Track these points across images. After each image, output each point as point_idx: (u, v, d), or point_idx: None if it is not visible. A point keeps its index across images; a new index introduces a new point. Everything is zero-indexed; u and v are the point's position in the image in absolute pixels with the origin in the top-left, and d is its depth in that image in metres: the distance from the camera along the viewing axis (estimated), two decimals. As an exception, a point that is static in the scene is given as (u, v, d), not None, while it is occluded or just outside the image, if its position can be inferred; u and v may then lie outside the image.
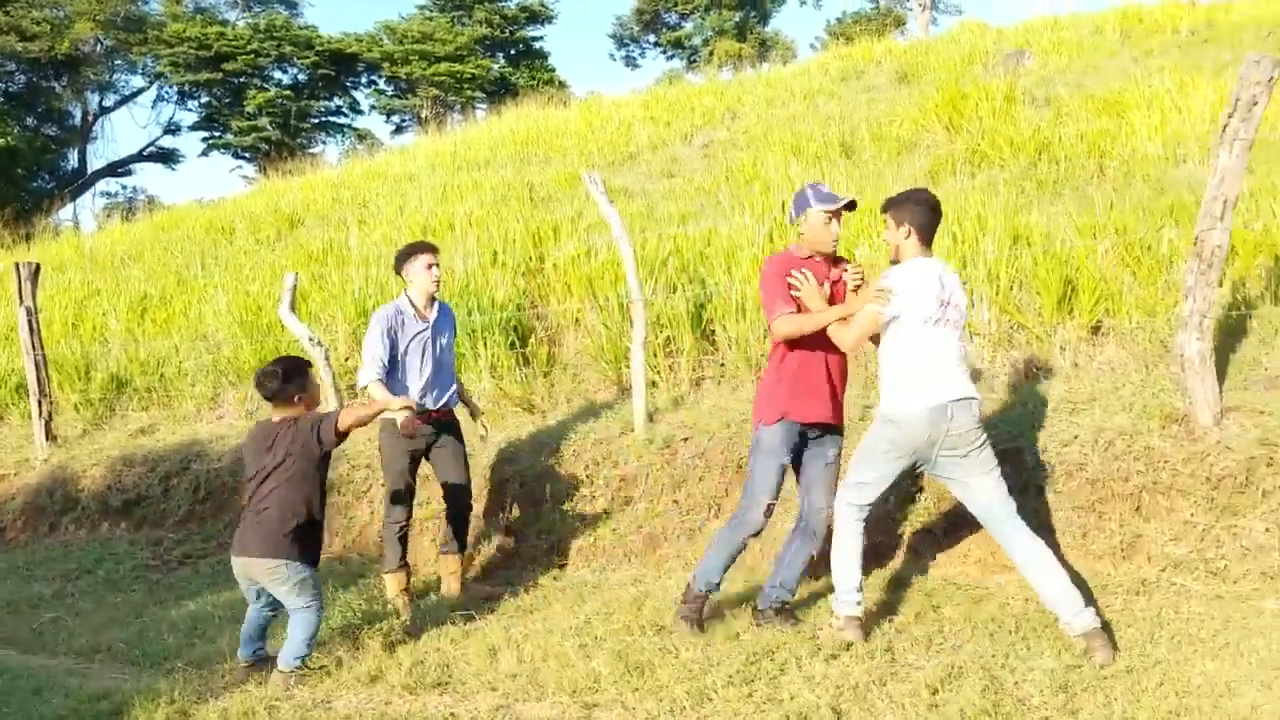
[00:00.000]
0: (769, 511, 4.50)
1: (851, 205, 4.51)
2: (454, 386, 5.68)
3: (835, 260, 4.60)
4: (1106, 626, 4.01)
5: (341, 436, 4.44)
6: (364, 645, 4.62)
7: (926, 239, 4.23)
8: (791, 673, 3.98)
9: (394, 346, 5.37)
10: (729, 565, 4.66)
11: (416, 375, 5.45)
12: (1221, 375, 5.07)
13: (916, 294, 4.11)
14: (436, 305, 5.59)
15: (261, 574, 4.35)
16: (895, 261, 4.28)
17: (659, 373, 7.05)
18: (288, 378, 4.47)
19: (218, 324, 9.18)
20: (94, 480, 7.72)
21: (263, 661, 4.52)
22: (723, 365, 6.90)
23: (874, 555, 5.18)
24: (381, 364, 5.31)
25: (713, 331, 7.10)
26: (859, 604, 4.29)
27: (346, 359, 7.98)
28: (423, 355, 5.45)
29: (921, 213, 4.21)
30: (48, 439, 8.30)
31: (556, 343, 7.97)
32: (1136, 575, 4.52)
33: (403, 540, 5.50)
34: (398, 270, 5.62)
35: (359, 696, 4.15)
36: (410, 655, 4.44)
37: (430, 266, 5.48)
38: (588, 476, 6.18)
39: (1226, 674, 3.67)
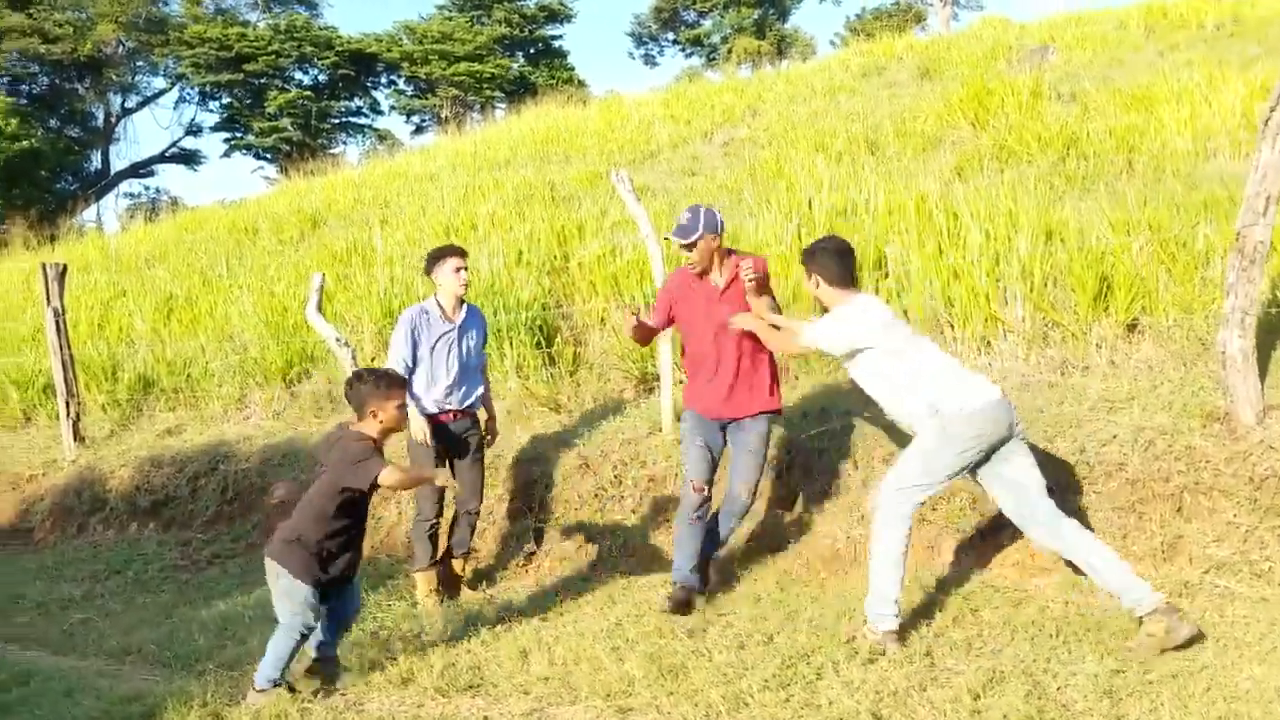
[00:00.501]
0: (701, 491, 4.88)
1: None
2: (480, 389, 5.71)
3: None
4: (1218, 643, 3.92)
5: (373, 488, 4.22)
6: (395, 647, 4.60)
7: (846, 283, 4.44)
8: (829, 677, 3.92)
9: (417, 346, 5.46)
10: (694, 556, 4.92)
11: (443, 375, 5.52)
12: (1263, 373, 4.97)
13: (879, 322, 4.31)
14: (465, 308, 5.62)
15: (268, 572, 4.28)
16: (825, 310, 4.50)
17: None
18: (366, 389, 4.20)
19: (243, 325, 9.19)
20: (122, 481, 7.74)
21: (326, 661, 4.37)
22: (751, 364, 6.84)
23: (909, 558, 5.12)
24: (404, 363, 5.43)
25: (740, 330, 7.04)
26: (896, 616, 4.19)
27: (373, 359, 7.96)
28: (449, 355, 5.52)
29: (828, 262, 4.42)
30: (75, 440, 8.33)
31: (582, 342, 7.93)
32: (1178, 577, 4.43)
33: (433, 539, 5.56)
34: (427, 272, 5.67)
35: (391, 699, 4.12)
36: (442, 657, 4.41)
37: (459, 270, 5.52)
38: (616, 477, 6.14)
39: (1275, 679, 3.58)
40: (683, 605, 4.85)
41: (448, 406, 5.52)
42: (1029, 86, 11.66)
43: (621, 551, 5.83)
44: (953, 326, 6.29)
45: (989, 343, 6.12)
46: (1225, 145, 8.51)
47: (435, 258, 5.58)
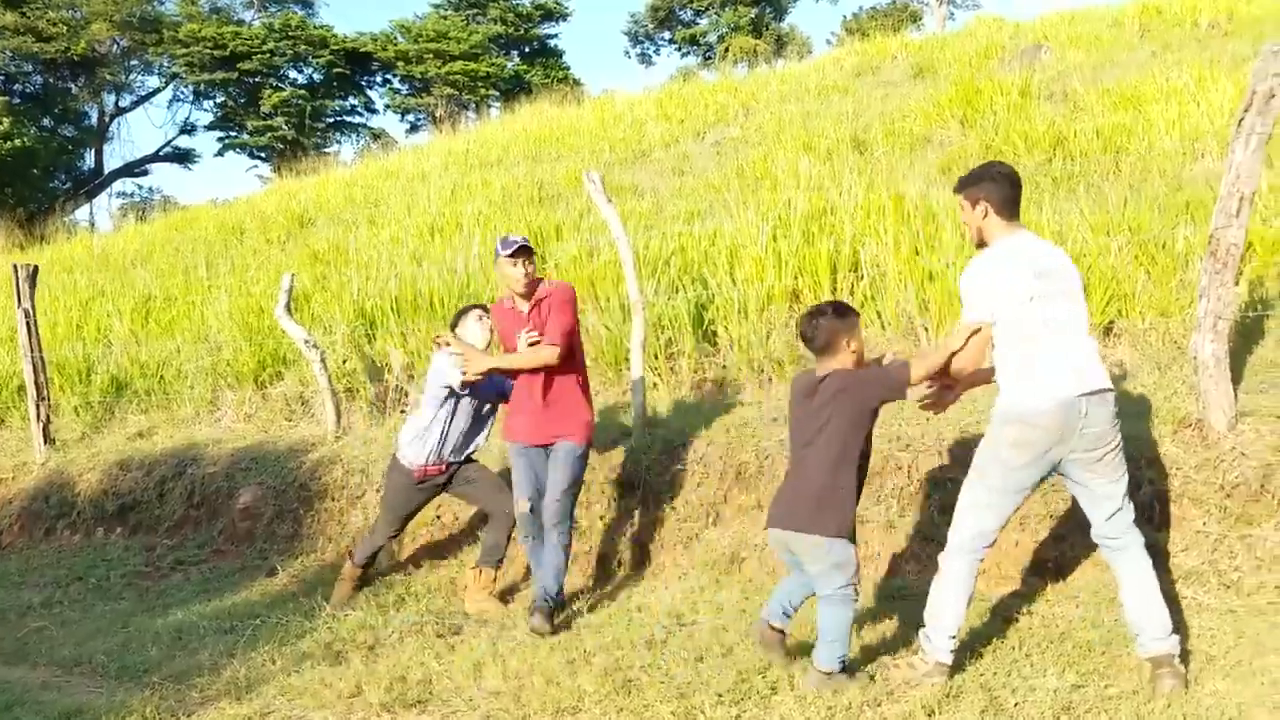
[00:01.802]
0: (529, 508, 4.94)
1: (527, 249, 5.01)
2: (478, 442, 5.63)
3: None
4: (1186, 655, 3.72)
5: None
6: (349, 658, 4.51)
7: (1010, 213, 3.78)
8: (784, 692, 3.82)
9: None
10: (538, 570, 4.96)
11: (444, 425, 5.45)
12: (1237, 378, 4.87)
13: (1006, 282, 3.64)
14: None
15: (803, 549, 3.79)
16: (980, 245, 3.84)
17: (660, 375, 6.90)
18: (831, 323, 3.81)
19: (219, 326, 9.09)
20: (90, 484, 7.64)
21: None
22: (724, 367, 6.75)
23: (871, 566, 5.03)
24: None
25: (714, 333, 6.95)
26: (953, 651, 3.77)
27: (344, 361, 7.86)
28: (454, 410, 5.44)
29: (1000, 187, 3.76)
30: (46, 442, 8.23)
31: (558, 344, 7.82)
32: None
33: (379, 551, 5.72)
34: (453, 328, 5.54)
35: (335, 713, 4.02)
36: (392, 670, 4.31)
37: (480, 319, 5.43)
38: (585, 481, 6.01)
39: (1238, 694, 3.49)
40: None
41: (449, 460, 5.51)
42: (1018, 86, 11.57)
43: (587, 559, 5.72)
44: (927, 330, 6.19)
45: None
46: (1213, 146, 8.41)
47: (460, 313, 5.55)
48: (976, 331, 3.71)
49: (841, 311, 3.89)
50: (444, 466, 5.50)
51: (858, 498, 3.90)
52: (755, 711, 3.69)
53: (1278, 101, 4.39)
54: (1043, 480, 3.77)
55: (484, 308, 5.51)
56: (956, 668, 3.84)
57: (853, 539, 3.81)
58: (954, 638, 3.78)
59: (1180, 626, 3.99)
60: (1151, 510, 4.54)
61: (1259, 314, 5.45)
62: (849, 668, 3.84)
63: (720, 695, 3.84)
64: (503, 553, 5.43)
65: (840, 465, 3.76)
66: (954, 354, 3.75)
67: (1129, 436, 4.68)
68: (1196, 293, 4.71)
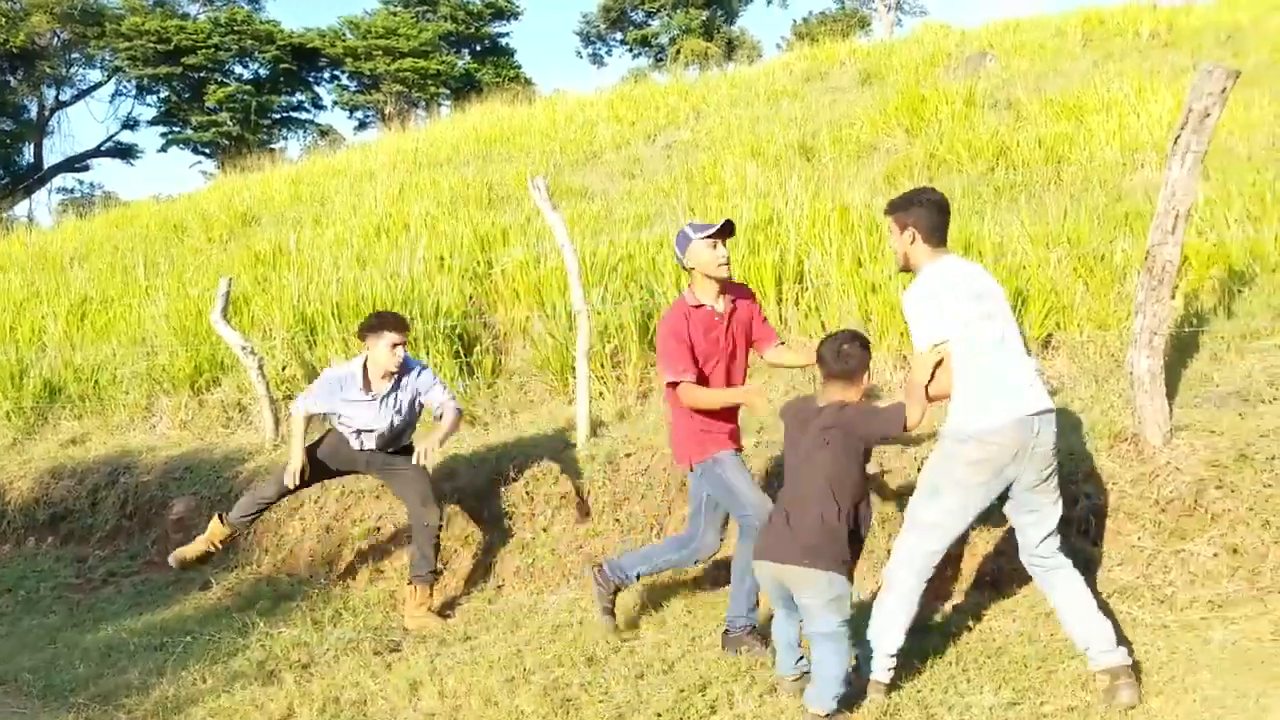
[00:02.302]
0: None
1: (728, 227, 4.39)
2: (407, 441, 5.53)
3: (731, 287, 4.51)
4: (1136, 665, 3.71)
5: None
6: (280, 678, 4.41)
7: (938, 240, 3.78)
8: (723, 710, 3.81)
9: (334, 408, 5.36)
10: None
11: (351, 434, 5.39)
12: (1172, 392, 4.94)
13: (950, 303, 3.63)
14: (393, 380, 5.31)
15: (799, 583, 3.65)
16: (905, 269, 3.88)
17: (606, 383, 6.86)
18: (866, 357, 3.80)
19: (155, 329, 8.89)
20: (21, 493, 7.44)
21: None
22: (669, 377, 6.71)
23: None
24: (306, 414, 5.39)
25: (660, 342, 6.91)
26: (891, 670, 3.77)
27: (284, 368, 7.73)
28: (365, 423, 5.33)
29: (928, 214, 3.76)
30: (-24, 446, 8.01)
31: (504, 351, 7.77)
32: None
33: (258, 514, 5.64)
34: (361, 338, 5.33)
35: (266, 737, 3.93)
36: (326, 691, 4.22)
37: (395, 346, 5.20)
38: (527, 493, 5.97)
39: (1170, 712, 3.52)
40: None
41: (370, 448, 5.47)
42: (962, 95, 11.68)
43: (529, 572, 5.66)
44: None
45: (905, 358, 6.04)
46: (1152, 157, 8.53)
47: (373, 327, 5.24)
48: (938, 361, 3.68)
49: (868, 345, 3.85)
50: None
51: (862, 541, 3.85)
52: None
53: (1212, 120, 4.44)
54: (995, 500, 3.77)
55: (402, 327, 5.26)
56: (893, 685, 3.84)
57: (850, 578, 3.73)
58: (893, 656, 3.77)
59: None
60: (1087, 524, 4.58)
61: (1194, 329, 5.52)
62: (848, 695, 3.69)
63: (659, 715, 3.81)
64: (432, 564, 5.32)
65: (838, 498, 3.66)
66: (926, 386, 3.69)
67: (1066, 450, 4.75)
68: (1133, 309, 4.76)
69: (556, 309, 7.28)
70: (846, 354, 3.75)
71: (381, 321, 5.25)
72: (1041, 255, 6.27)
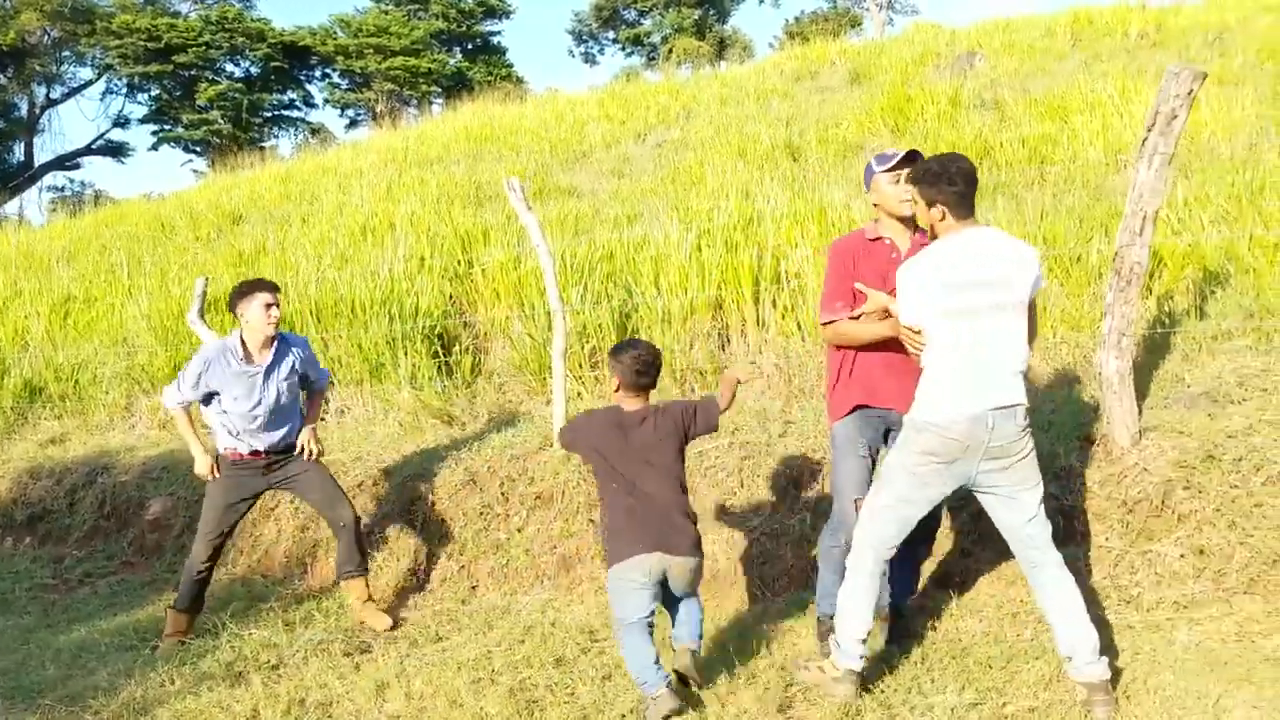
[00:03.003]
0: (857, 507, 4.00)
1: (910, 158, 3.99)
2: (294, 425, 5.28)
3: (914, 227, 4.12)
4: (1115, 677, 3.69)
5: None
6: (247, 679, 4.40)
7: (964, 211, 3.64)
8: (687, 712, 3.80)
9: (211, 388, 5.05)
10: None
11: (245, 419, 5.09)
12: (1143, 393, 4.96)
13: (928, 284, 3.59)
14: (273, 348, 5.11)
15: (683, 571, 3.89)
16: (933, 237, 3.76)
17: (583, 383, 6.86)
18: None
19: (136, 328, 8.87)
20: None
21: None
22: (647, 377, 6.71)
23: (772, 579, 5.03)
24: (181, 403, 5.12)
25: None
26: (863, 656, 3.74)
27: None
28: (251, 399, 5.07)
29: (957, 189, 3.60)
30: (-44, 447, 7.99)
31: (484, 351, 7.76)
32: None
33: (201, 584, 5.24)
34: (231, 309, 5.12)
35: (230, 738, 3.93)
36: (292, 693, 4.21)
37: (269, 306, 4.99)
38: (502, 493, 5.97)
39: (1131, 713, 3.53)
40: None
41: (257, 447, 5.16)
42: (948, 95, 11.69)
43: (503, 573, 5.66)
44: (846, 341, 6.20)
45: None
46: (1135, 157, 8.53)
47: (242, 293, 5.03)
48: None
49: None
50: (264, 456, 5.16)
51: None
52: (655, 733, 3.66)
53: (1179, 122, 4.46)
54: (951, 494, 3.77)
55: (273, 288, 5.06)
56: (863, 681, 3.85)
57: None
58: (864, 642, 3.73)
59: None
60: (1056, 525, 4.58)
61: (1167, 330, 5.53)
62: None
63: (623, 715, 3.82)
64: (357, 560, 5.24)
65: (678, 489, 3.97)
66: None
67: (1037, 450, 4.75)
68: (1102, 310, 4.76)
69: (536, 309, 7.27)
70: (656, 366, 4.09)
71: (250, 286, 5.06)
72: (1018, 256, 6.26)
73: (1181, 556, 4.31)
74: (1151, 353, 5.37)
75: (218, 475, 5.20)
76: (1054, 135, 9.59)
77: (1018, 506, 3.69)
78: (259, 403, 5.07)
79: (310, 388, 5.44)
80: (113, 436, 7.95)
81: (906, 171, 3.91)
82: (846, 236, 4.31)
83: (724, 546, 5.23)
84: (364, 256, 9.29)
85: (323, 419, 7.22)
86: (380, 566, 5.91)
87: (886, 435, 4.15)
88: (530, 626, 4.97)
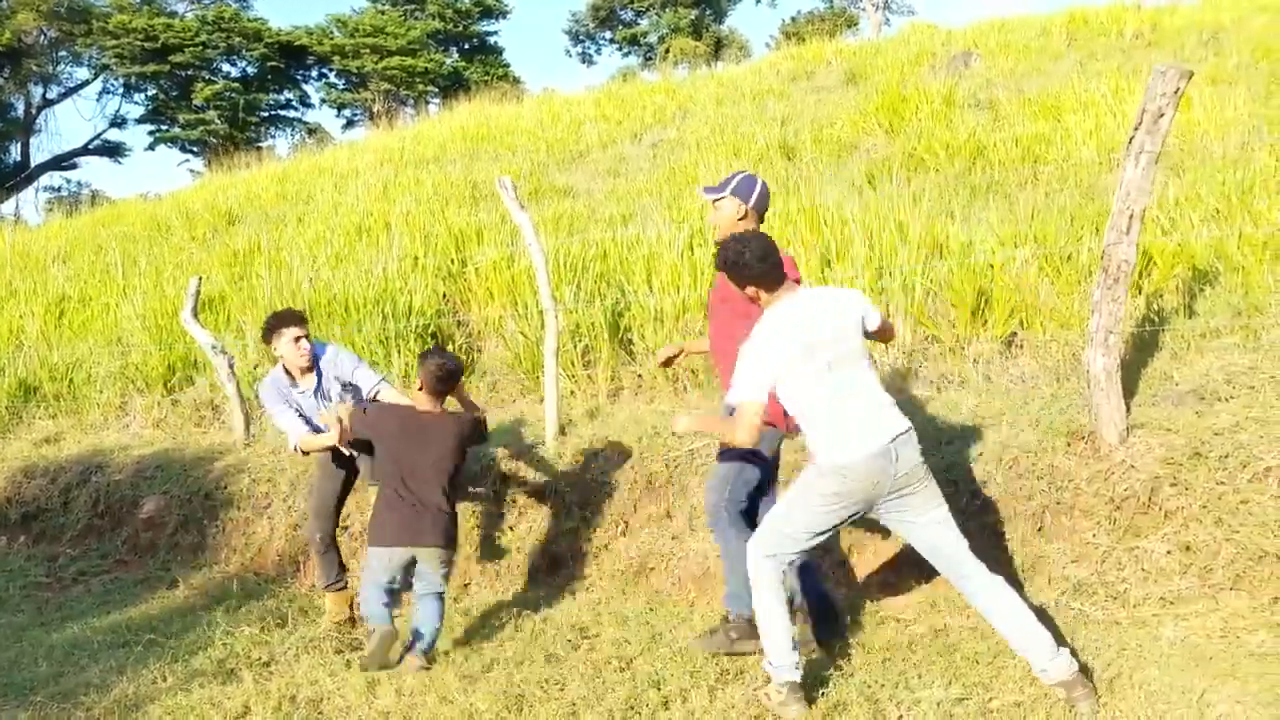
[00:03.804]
0: None
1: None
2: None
3: None
4: (1085, 669, 3.68)
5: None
6: (239, 676, 4.42)
7: (771, 285, 3.76)
8: (675, 706, 3.83)
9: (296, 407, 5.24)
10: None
11: (313, 429, 5.24)
12: (1132, 390, 4.98)
13: (783, 350, 3.65)
14: (314, 371, 5.22)
15: (430, 559, 4.54)
16: (753, 300, 3.83)
17: (576, 382, 6.88)
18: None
19: (130, 328, 8.89)
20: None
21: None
22: (640, 376, 6.74)
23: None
24: (296, 431, 5.19)
25: (631, 340, 6.94)
26: (798, 666, 3.72)
27: (255, 367, 7.73)
28: (311, 419, 5.25)
29: (759, 269, 3.71)
30: (-51, 447, 8.00)
31: (478, 350, 7.78)
32: (1036, 599, 4.39)
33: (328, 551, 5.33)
34: (265, 341, 5.24)
35: (220, 734, 3.94)
36: (283, 689, 4.23)
37: (298, 340, 5.10)
38: (495, 492, 5.99)
39: (1115, 707, 3.55)
40: None
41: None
42: (942, 94, 11.72)
43: (495, 570, 5.68)
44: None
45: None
46: (1123, 156, 8.56)
47: (272, 328, 5.16)
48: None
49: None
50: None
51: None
52: (643, 727, 3.69)
53: (1166, 121, 4.48)
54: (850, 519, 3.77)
55: (298, 321, 5.14)
56: (847, 679, 3.88)
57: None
58: (795, 650, 3.72)
59: (1067, 639, 4.07)
60: (1042, 521, 4.62)
61: (1155, 328, 5.56)
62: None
63: (613, 711, 3.83)
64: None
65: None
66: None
67: (1025, 447, 4.79)
68: (1089, 308, 4.78)
69: (529, 308, 7.29)
70: (451, 372, 4.65)
71: (278, 320, 5.17)
72: (1008, 255, 6.30)
73: (1168, 553, 4.33)
74: (1140, 350, 5.39)
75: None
76: (1047, 135, 9.60)
77: (933, 525, 3.73)
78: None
79: (372, 392, 5.33)
80: (107, 435, 7.96)
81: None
82: None
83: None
84: (359, 256, 9.32)
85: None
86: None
87: None
88: (521, 624, 4.99)
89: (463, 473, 4.79)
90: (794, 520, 3.72)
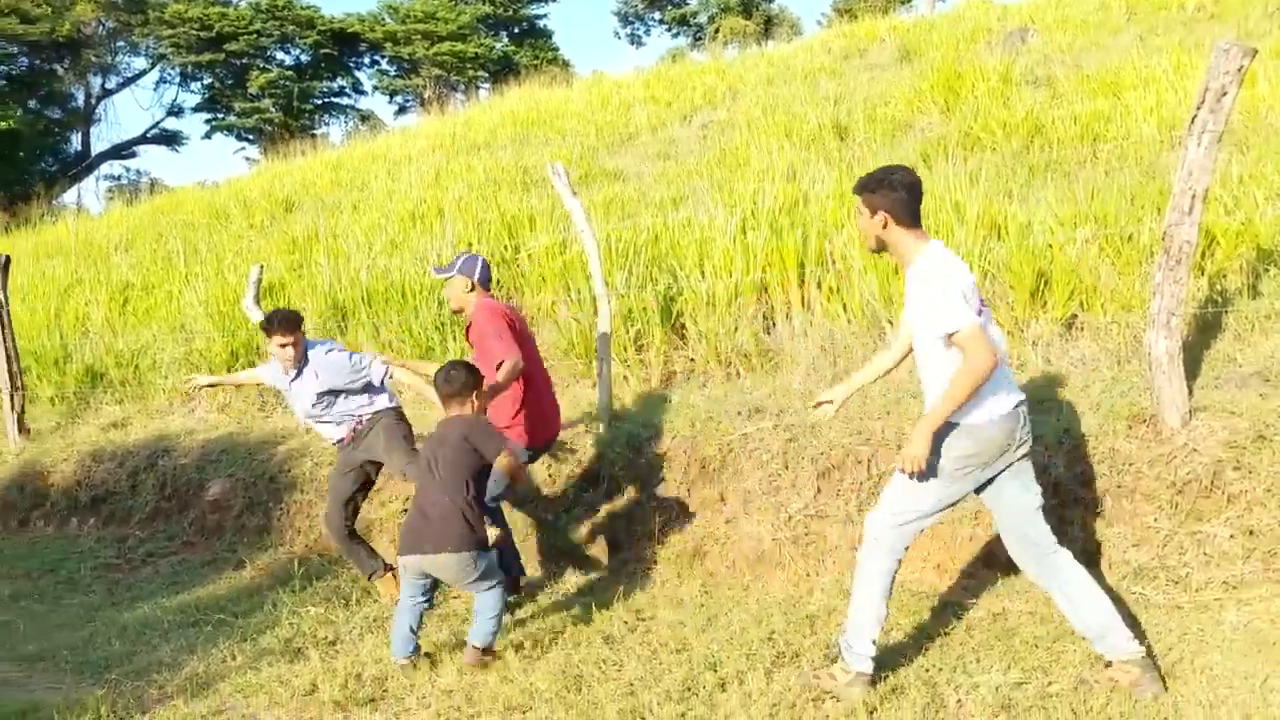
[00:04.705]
0: None
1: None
2: (351, 417, 5.46)
3: None
4: (1151, 655, 3.68)
5: None
6: (306, 655, 4.53)
7: (912, 222, 3.65)
8: (731, 688, 3.86)
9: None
10: None
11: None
12: (1194, 373, 4.91)
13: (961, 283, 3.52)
14: (295, 368, 5.39)
15: (442, 567, 4.28)
16: (877, 250, 3.80)
17: (629, 367, 6.91)
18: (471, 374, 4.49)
19: (194, 315, 9.08)
20: (64, 475, 7.66)
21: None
22: (692, 360, 6.76)
23: (817, 560, 5.06)
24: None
25: (683, 325, 6.96)
26: (873, 658, 3.71)
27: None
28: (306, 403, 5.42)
29: (900, 196, 3.61)
30: (20, 432, 8.25)
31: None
32: (1097, 583, 4.34)
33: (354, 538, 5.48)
34: (268, 334, 5.43)
35: (288, 711, 4.05)
36: (349, 668, 4.33)
37: (283, 346, 5.30)
38: (550, 475, 6.06)
39: (1176, 692, 3.53)
40: None
41: (335, 439, 5.50)
42: (999, 72, 11.53)
43: (551, 552, 5.75)
44: (891, 324, 6.20)
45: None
46: (1185, 135, 8.38)
47: (264, 329, 5.43)
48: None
49: (470, 370, 4.48)
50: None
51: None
52: (701, 709, 3.73)
53: (1229, 99, 4.40)
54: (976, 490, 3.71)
55: (285, 329, 5.29)
56: (905, 662, 3.89)
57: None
58: (875, 643, 3.71)
59: (1128, 622, 4.03)
60: (1103, 505, 4.57)
61: (1218, 309, 5.46)
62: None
63: (668, 692, 3.88)
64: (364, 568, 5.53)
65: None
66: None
67: (1085, 431, 4.75)
68: (1150, 290, 4.72)
69: (581, 293, 7.34)
70: (452, 377, 4.42)
71: (268, 326, 5.37)
72: (1067, 235, 6.21)
73: (1231, 537, 4.28)
74: (1203, 332, 5.31)
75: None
76: (1107, 112, 9.42)
77: (1026, 497, 3.67)
78: (296, 410, 5.51)
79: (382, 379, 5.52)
80: (172, 420, 8.16)
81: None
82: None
83: (768, 528, 5.26)
84: (413, 243, 9.43)
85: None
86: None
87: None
88: (578, 606, 5.05)
89: (480, 474, 4.37)
90: (926, 489, 3.63)
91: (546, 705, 3.87)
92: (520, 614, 5.01)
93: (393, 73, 36.65)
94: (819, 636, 4.32)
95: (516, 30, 38.04)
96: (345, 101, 37.27)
